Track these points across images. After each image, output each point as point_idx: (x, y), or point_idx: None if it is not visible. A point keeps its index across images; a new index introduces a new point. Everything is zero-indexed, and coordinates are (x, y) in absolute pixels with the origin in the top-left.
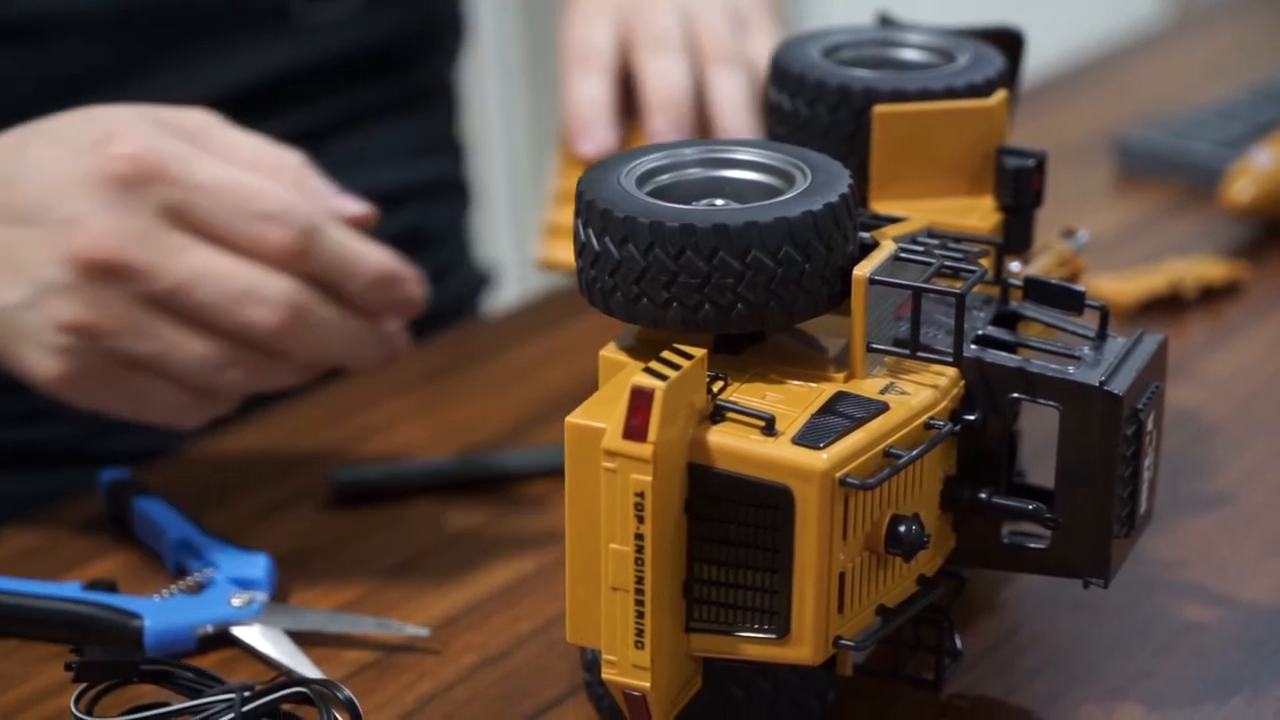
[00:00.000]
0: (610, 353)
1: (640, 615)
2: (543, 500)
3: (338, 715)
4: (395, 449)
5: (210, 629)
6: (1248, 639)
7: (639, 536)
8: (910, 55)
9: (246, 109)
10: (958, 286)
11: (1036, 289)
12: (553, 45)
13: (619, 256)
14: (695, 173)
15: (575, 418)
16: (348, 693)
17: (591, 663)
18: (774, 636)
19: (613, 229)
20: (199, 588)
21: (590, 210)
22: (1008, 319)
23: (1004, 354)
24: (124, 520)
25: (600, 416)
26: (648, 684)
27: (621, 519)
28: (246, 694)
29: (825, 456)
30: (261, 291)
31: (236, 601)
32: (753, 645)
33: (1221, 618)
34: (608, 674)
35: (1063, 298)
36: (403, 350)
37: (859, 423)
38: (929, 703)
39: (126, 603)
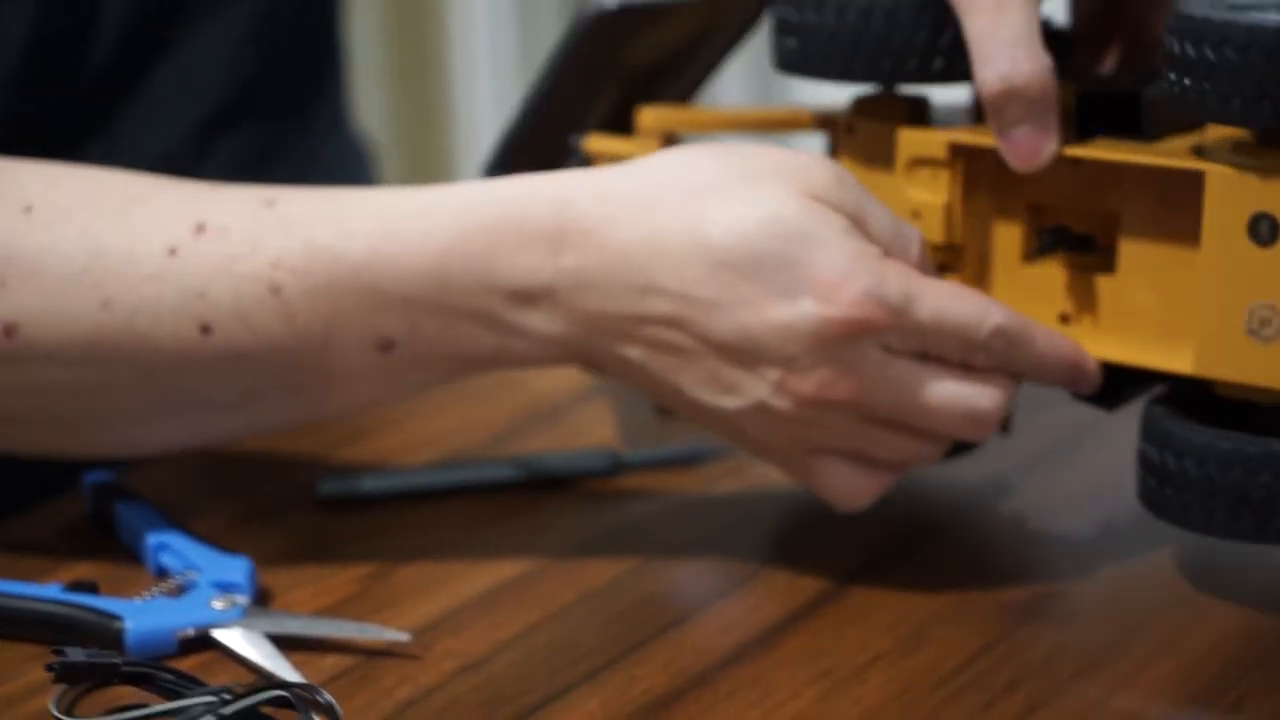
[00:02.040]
0: None
1: None
2: (524, 508)
3: (317, 719)
4: (379, 455)
5: (191, 631)
6: (1228, 652)
7: None
8: None
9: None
10: None
11: None
12: (543, 19)
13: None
14: None
15: None
16: (328, 697)
17: None
18: None
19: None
20: (180, 590)
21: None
22: None
23: None
24: (107, 522)
25: None
26: None
27: None
28: (226, 697)
29: None
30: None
31: (218, 604)
32: None
33: (1202, 631)
34: None
35: None
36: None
37: None
38: (910, 709)
39: (108, 604)
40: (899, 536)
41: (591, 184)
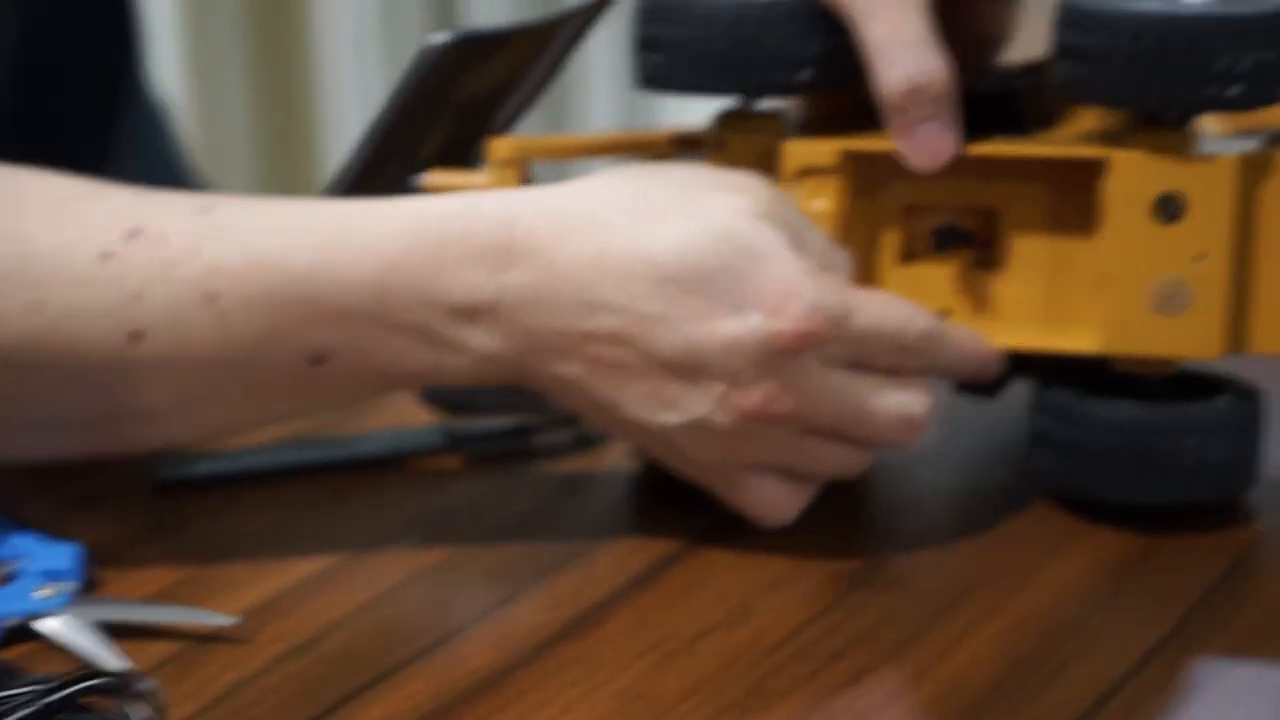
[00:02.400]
0: None
1: None
2: (358, 488)
3: (140, 706)
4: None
5: (15, 621)
6: (1050, 619)
7: None
8: None
9: None
10: None
11: None
12: (410, 29)
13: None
14: None
15: None
16: (151, 683)
17: None
18: None
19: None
20: (6, 579)
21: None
22: None
23: None
24: None
25: None
26: None
27: None
28: (47, 686)
29: None
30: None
31: (44, 593)
32: None
33: (1027, 597)
34: None
35: None
36: None
37: None
38: (737, 680)
39: None
40: (730, 510)
41: (539, 201)
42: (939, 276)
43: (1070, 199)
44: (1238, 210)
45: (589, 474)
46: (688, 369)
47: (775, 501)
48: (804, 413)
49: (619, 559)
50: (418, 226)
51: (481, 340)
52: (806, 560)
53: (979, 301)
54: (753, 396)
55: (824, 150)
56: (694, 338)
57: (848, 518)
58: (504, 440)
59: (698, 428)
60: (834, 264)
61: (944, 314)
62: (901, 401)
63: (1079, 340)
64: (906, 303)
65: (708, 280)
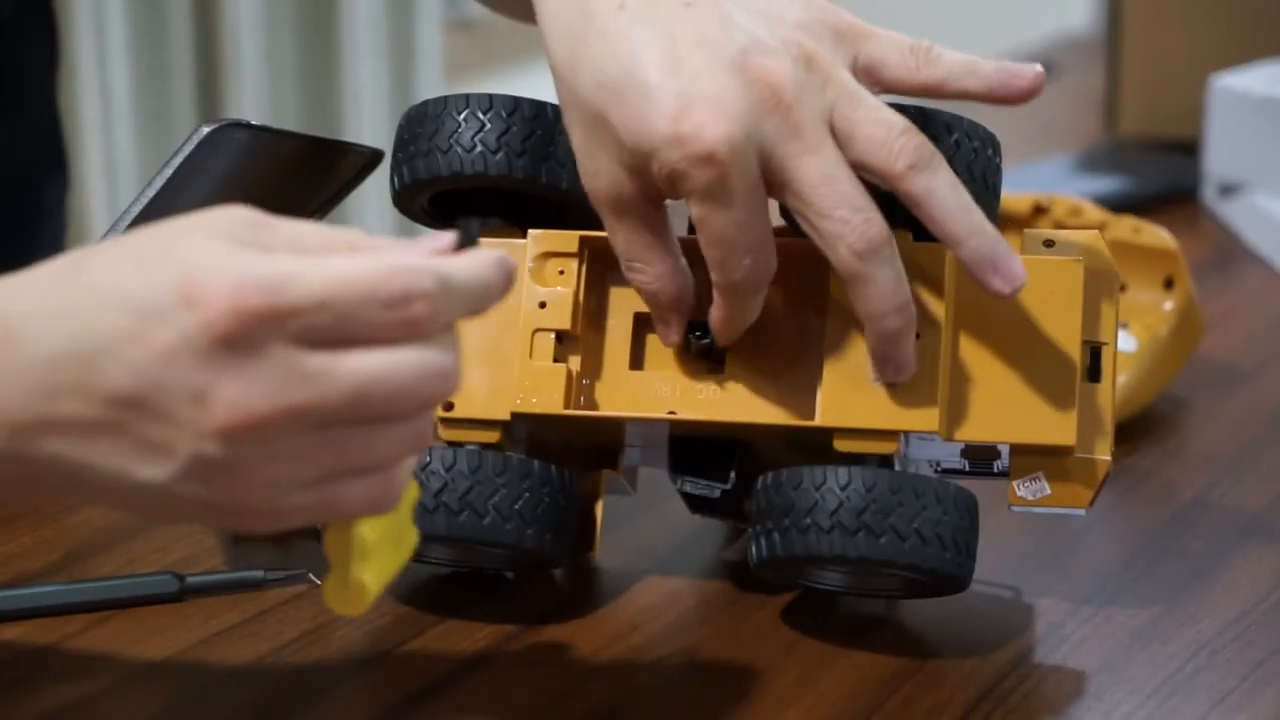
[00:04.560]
0: None
1: None
2: (83, 633)
3: None
4: None
5: None
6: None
7: None
8: None
9: None
10: None
11: None
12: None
13: None
14: None
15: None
16: None
17: None
18: None
19: None
20: None
21: None
22: None
23: None
24: None
25: None
26: None
27: None
28: None
29: None
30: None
31: None
32: None
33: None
34: None
35: None
36: None
37: None
38: None
39: None
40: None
41: None
42: (668, 381)
43: (802, 297)
44: (954, 292)
45: (322, 620)
46: (142, 401)
47: (367, 499)
48: (294, 406)
49: (351, 704)
50: None
51: None
52: (547, 705)
53: (710, 399)
54: (218, 408)
55: (566, 236)
56: (137, 360)
57: (585, 661)
58: (238, 587)
59: (198, 469)
60: (313, 247)
61: (671, 414)
62: (409, 359)
63: (805, 416)
64: (383, 259)
65: (126, 295)
